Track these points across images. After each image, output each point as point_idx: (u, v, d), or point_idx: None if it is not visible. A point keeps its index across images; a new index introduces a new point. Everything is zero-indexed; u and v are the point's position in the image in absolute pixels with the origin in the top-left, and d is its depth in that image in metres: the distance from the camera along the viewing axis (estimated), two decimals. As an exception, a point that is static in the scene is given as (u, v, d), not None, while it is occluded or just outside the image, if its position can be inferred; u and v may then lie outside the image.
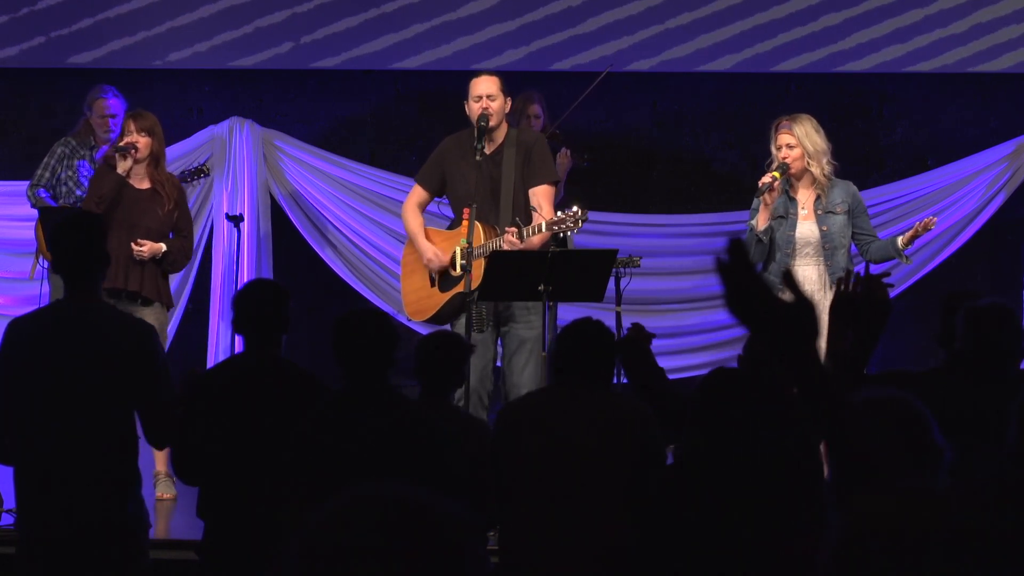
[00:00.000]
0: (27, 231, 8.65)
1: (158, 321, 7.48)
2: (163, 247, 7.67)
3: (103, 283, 5.14)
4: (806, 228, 7.59)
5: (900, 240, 7.60)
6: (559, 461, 4.86)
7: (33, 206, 8.41)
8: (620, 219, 9.65)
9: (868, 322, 4.49)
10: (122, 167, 7.66)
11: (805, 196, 7.63)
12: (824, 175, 7.58)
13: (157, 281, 7.70)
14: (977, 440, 4.30)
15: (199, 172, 8.47)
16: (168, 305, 7.83)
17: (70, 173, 8.42)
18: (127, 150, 7.66)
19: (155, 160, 7.77)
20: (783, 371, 2.02)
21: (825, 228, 7.55)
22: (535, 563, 4.87)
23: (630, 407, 4.99)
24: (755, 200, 7.64)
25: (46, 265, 8.34)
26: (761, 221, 7.51)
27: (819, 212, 7.58)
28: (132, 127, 7.72)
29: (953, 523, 1.77)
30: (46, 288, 8.34)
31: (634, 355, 5.03)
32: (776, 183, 7.50)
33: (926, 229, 7.58)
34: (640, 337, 5.05)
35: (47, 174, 8.42)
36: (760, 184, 7.52)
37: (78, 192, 8.35)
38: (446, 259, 7.50)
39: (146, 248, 7.61)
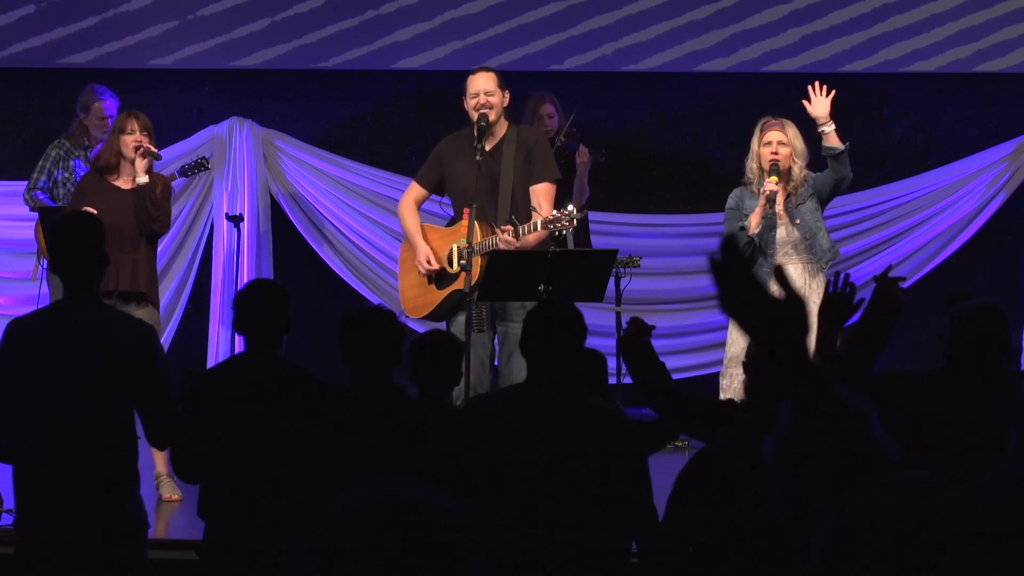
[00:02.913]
0: (27, 231, 8.67)
1: (151, 319, 7.44)
2: (146, 179, 7.59)
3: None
4: (782, 228, 7.66)
5: (824, 141, 7.67)
6: (530, 463, 4.60)
7: (32, 209, 8.42)
8: (620, 219, 9.65)
9: (880, 322, 4.48)
10: (142, 166, 7.61)
11: (779, 197, 7.70)
12: (801, 176, 7.68)
13: (151, 276, 7.65)
14: (973, 440, 4.29)
15: (199, 165, 8.45)
16: (156, 304, 7.76)
17: (67, 175, 8.42)
18: (154, 156, 7.63)
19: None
20: (776, 368, 2.02)
21: (799, 221, 7.66)
22: (507, 563, 4.77)
23: (605, 412, 4.70)
24: (730, 200, 7.69)
25: (46, 265, 8.34)
26: (755, 224, 7.54)
27: (790, 209, 7.66)
28: (135, 126, 7.69)
29: (952, 517, 1.76)
30: (45, 288, 8.34)
31: (635, 351, 4.95)
32: (779, 186, 7.60)
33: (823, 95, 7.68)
34: (640, 331, 4.95)
35: (43, 176, 8.44)
36: (767, 192, 7.53)
37: None
38: (436, 266, 7.48)
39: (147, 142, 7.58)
